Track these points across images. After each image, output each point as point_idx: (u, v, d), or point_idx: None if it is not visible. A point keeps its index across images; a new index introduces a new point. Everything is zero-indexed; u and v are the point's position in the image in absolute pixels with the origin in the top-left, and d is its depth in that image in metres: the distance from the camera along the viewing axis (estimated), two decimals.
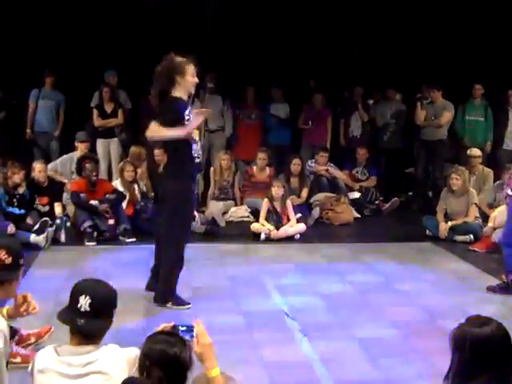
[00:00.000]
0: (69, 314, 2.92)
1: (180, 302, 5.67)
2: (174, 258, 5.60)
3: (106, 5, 10.84)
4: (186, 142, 5.47)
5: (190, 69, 5.45)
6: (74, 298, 2.91)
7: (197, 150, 5.58)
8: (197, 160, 5.57)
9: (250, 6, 11.10)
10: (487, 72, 10.51)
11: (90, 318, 2.86)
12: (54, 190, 8.49)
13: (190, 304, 5.67)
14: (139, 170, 8.97)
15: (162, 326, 2.95)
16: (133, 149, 9.26)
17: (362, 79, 11.21)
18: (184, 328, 2.90)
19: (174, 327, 2.92)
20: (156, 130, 5.50)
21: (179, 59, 5.47)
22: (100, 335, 2.92)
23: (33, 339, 4.47)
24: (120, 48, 10.72)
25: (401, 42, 11.31)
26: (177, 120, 5.40)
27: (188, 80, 5.46)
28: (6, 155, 8.74)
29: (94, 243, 7.81)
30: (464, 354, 2.59)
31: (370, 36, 11.43)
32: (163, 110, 5.52)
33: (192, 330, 2.88)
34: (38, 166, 8.38)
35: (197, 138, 5.61)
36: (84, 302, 2.87)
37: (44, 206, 8.21)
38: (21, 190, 7.99)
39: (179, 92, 5.47)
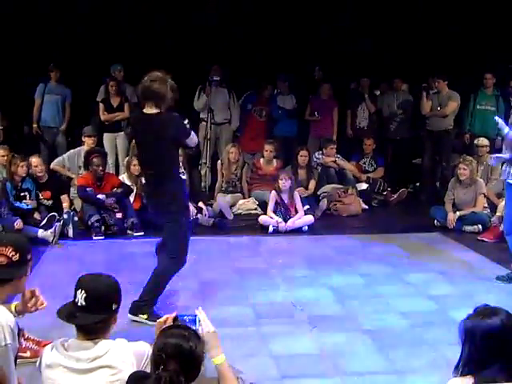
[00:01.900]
0: (68, 309, 2.95)
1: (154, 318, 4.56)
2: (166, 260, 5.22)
3: None
4: None
5: None
6: (74, 293, 2.93)
7: None
8: None
9: None
10: (499, 62, 10.43)
11: (85, 313, 2.87)
12: (55, 183, 8.48)
13: None
14: None
15: (164, 317, 2.95)
16: None
17: (368, 70, 11.16)
18: (188, 318, 2.91)
19: (177, 318, 2.93)
20: None
21: None
22: (100, 330, 2.90)
23: (29, 353, 4.25)
24: (126, 42, 10.71)
25: (408, 31, 11.25)
26: None
27: None
28: (10, 150, 8.73)
29: (102, 237, 7.82)
30: (474, 344, 2.59)
31: (378, 26, 11.37)
32: None
33: (195, 320, 2.89)
34: (34, 161, 8.26)
35: None
36: (80, 297, 2.89)
37: (48, 200, 8.23)
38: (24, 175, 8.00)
39: None
